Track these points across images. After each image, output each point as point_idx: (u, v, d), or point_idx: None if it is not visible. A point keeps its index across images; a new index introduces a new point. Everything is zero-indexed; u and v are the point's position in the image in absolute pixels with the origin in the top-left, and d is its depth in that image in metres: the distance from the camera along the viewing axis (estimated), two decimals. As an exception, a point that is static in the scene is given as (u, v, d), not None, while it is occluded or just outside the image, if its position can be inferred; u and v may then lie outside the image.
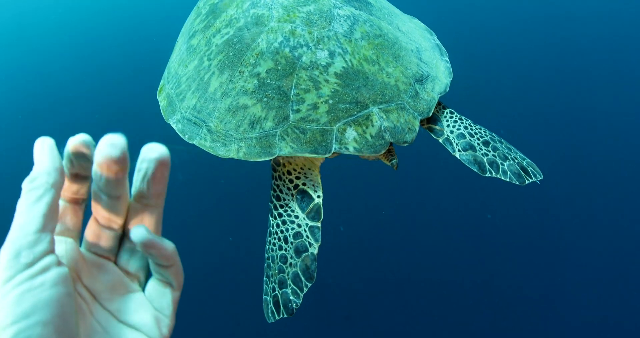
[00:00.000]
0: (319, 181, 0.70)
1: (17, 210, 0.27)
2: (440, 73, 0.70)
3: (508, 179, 0.69)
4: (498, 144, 0.72)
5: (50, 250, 0.27)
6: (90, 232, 0.33)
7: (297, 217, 0.66)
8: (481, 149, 0.69)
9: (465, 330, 1.91)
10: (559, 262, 1.97)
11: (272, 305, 0.67)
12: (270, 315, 0.68)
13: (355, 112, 0.60)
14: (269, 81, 0.63)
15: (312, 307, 2.09)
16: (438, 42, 0.80)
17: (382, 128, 0.61)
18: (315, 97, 0.61)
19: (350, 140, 0.61)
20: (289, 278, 0.65)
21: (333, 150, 0.61)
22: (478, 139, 0.70)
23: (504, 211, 2.10)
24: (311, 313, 2.16)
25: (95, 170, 0.29)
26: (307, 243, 0.65)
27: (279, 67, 0.63)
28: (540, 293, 1.92)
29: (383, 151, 0.63)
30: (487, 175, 0.69)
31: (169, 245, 0.30)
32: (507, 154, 0.70)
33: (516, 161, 0.70)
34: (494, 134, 0.75)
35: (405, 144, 0.64)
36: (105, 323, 0.30)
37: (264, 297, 0.70)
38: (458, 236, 2.10)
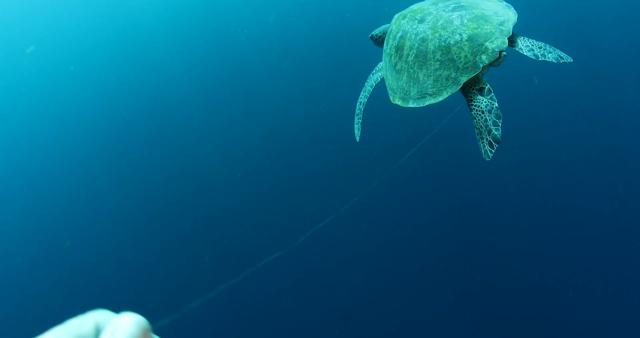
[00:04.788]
0: (483, 79, 1.52)
1: None
2: (510, 16, 1.52)
3: (549, 60, 1.46)
4: (548, 47, 1.50)
5: None
6: None
7: (482, 99, 1.45)
8: (537, 49, 1.49)
9: (466, 330, 1.92)
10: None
11: (487, 146, 1.41)
12: (489, 154, 1.38)
13: (482, 48, 1.44)
14: (443, 59, 1.48)
15: (312, 307, 2.09)
16: (505, 2, 1.61)
17: (493, 48, 1.45)
18: (464, 53, 1.46)
19: (484, 58, 1.44)
20: (490, 124, 1.40)
21: (481, 66, 1.44)
22: (536, 46, 1.50)
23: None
24: (311, 313, 2.15)
25: None
26: (491, 105, 1.44)
27: (444, 51, 1.48)
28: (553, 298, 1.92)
29: (497, 57, 1.45)
30: (540, 60, 1.47)
31: None
32: (551, 51, 1.49)
33: (557, 54, 1.49)
34: (546, 44, 1.50)
35: (504, 49, 1.45)
36: None
37: (482, 148, 1.42)
38: (460, 238, 2.10)
